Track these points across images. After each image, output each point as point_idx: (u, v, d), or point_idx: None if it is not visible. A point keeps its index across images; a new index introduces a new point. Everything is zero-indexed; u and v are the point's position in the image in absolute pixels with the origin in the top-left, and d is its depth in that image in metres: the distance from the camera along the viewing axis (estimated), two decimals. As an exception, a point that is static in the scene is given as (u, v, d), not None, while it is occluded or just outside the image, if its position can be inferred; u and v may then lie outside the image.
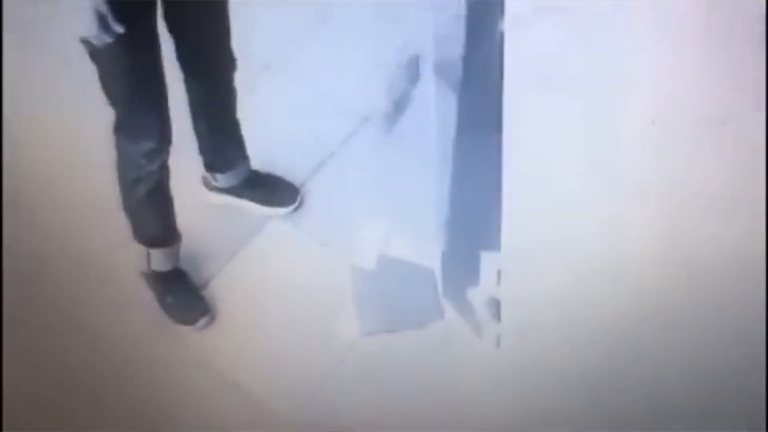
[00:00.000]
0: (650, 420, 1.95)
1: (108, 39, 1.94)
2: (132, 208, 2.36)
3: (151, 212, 2.38)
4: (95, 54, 2.03)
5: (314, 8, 2.99)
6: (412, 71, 2.68)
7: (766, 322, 1.68)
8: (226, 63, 2.36)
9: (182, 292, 2.49)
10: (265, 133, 2.67)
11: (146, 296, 2.48)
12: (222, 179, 2.60)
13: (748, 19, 1.47)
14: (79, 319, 2.50)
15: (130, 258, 2.44)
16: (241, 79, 2.42)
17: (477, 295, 2.27)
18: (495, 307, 2.19)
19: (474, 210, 2.17)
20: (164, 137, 2.20)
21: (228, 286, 2.53)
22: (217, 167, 2.59)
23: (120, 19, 1.94)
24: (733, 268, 1.72)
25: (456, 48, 1.98)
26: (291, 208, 2.65)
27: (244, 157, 2.58)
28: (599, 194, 1.78)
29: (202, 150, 2.56)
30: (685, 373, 1.87)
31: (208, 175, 2.62)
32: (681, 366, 1.87)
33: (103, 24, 1.92)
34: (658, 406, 1.94)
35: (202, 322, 2.45)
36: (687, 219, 1.72)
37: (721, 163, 1.64)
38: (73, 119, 2.78)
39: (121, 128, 2.18)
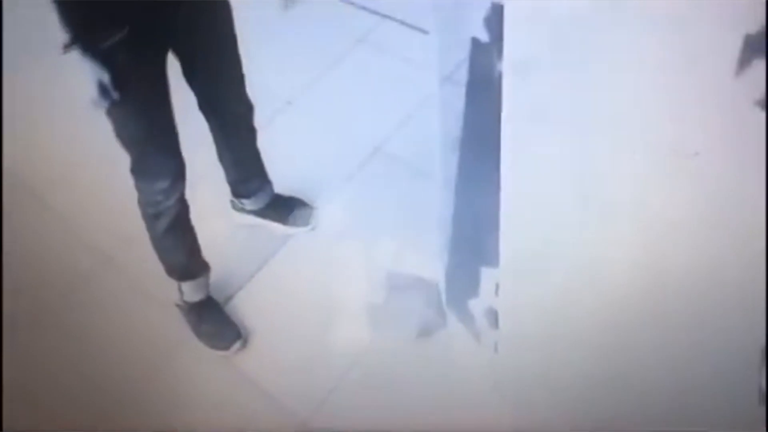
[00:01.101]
0: (639, 418, 1.97)
1: (106, 105, 1.99)
2: (157, 242, 2.38)
3: (175, 244, 2.40)
4: (109, 113, 2.07)
5: (331, 51, 3.06)
6: (419, 107, 2.71)
7: (767, 329, 1.73)
8: (244, 108, 2.41)
9: (215, 321, 2.50)
10: (289, 160, 2.73)
11: (171, 300, 2.50)
12: (248, 203, 2.67)
13: (719, 60, 1.48)
14: (105, 321, 2.54)
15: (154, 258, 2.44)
16: (267, 113, 2.50)
17: (477, 306, 2.29)
18: (493, 316, 2.21)
19: (474, 230, 2.19)
20: (177, 175, 2.24)
21: (250, 300, 2.56)
22: (243, 194, 2.66)
23: (130, 80, 1.99)
24: (705, 285, 1.76)
25: (460, 87, 2.00)
26: (309, 227, 2.70)
27: (267, 182, 2.65)
28: (585, 217, 1.82)
29: (229, 179, 2.62)
30: (670, 374, 1.90)
31: (235, 200, 2.68)
32: (665, 366, 1.90)
33: (102, 91, 1.96)
34: (647, 407, 1.96)
35: (235, 347, 2.46)
36: (662, 240, 1.75)
37: (692, 191, 1.67)
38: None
39: (136, 170, 2.22)
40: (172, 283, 2.46)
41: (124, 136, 2.14)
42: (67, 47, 1.91)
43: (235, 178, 2.62)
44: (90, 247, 2.71)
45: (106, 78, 1.95)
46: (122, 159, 2.24)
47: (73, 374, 2.44)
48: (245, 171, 2.61)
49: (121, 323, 2.53)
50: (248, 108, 2.42)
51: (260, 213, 2.70)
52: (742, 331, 1.80)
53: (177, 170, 2.23)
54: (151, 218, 2.31)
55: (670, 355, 1.89)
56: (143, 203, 2.28)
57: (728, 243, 1.72)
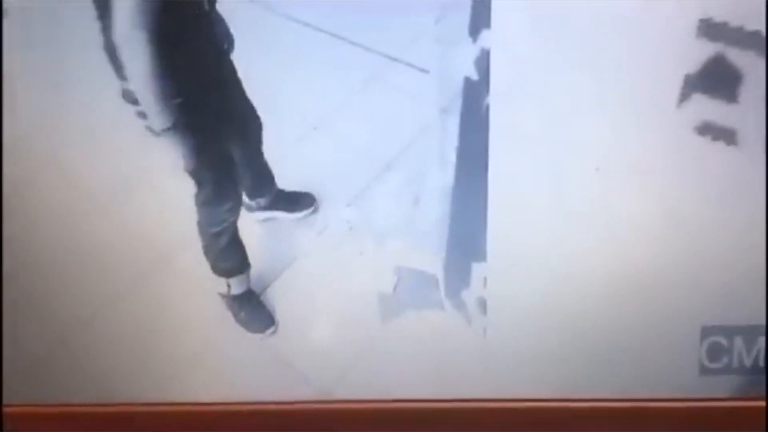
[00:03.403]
0: (603, 387, 2.05)
1: (193, 165, 2.16)
2: (215, 255, 2.43)
3: (231, 253, 2.45)
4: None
5: (348, 86, 3.03)
6: (422, 132, 2.66)
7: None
8: (257, 128, 2.46)
9: (253, 309, 2.53)
10: (315, 173, 2.74)
11: (215, 292, 2.51)
12: (262, 201, 2.67)
13: (664, 95, 1.64)
14: (159, 310, 2.52)
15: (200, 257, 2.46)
16: (296, 136, 2.57)
17: (469, 296, 2.34)
18: (482, 305, 2.28)
19: (466, 232, 2.26)
20: (240, 195, 2.37)
21: (282, 290, 2.58)
22: (258, 195, 2.66)
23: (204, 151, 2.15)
24: (656, 275, 1.88)
25: (455, 116, 2.12)
26: (311, 209, 2.70)
27: (273, 180, 2.65)
28: (559, 223, 1.94)
29: (244, 187, 2.60)
30: (628, 349, 1.99)
31: (250, 202, 2.66)
32: (625, 343, 1.99)
33: (194, 161, 2.15)
34: (609, 378, 2.04)
35: (269, 331, 2.50)
36: (624, 244, 1.87)
37: (648, 202, 1.80)
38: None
39: (207, 200, 2.31)
40: (217, 279, 2.50)
41: (197, 176, 2.26)
42: (168, 129, 2.07)
43: (252, 183, 2.64)
44: (147, 247, 2.67)
45: (190, 143, 2.11)
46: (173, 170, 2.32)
47: (132, 355, 2.48)
48: (259, 175, 2.63)
49: (172, 311, 2.54)
50: (260, 126, 2.46)
51: (269, 206, 2.69)
52: (685, 314, 1.91)
53: (239, 190, 2.36)
54: (213, 237, 2.37)
55: (627, 332, 1.98)
56: (208, 225, 2.35)
57: (674, 241, 1.83)
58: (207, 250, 2.43)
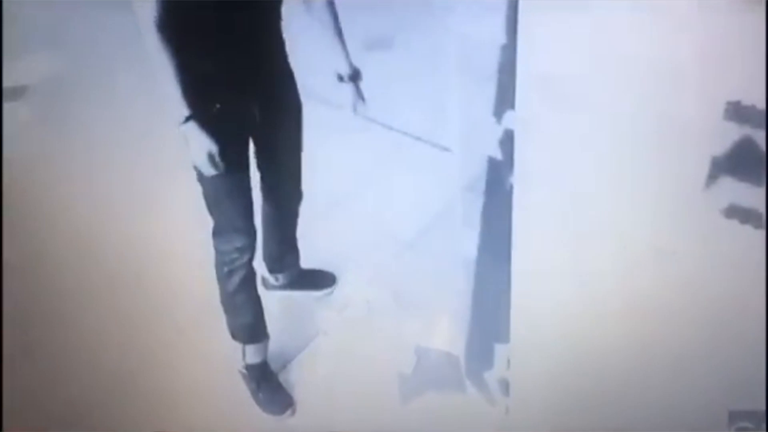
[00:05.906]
0: None
1: (214, 172, 2.05)
2: (229, 300, 2.35)
3: (244, 303, 2.36)
4: (201, 180, 2.15)
5: (376, 165, 3.13)
6: (444, 211, 2.76)
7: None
8: (297, 196, 2.47)
9: (271, 390, 2.46)
10: (334, 253, 2.81)
11: (234, 369, 2.48)
12: (281, 278, 2.69)
13: (691, 176, 1.56)
14: (179, 383, 2.52)
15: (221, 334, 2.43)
16: (317, 214, 2.59)
17: (491, 376, 2.31)
18: (505, 385, 2.23)
19: (489, 314, 2.21)
20: (252, 237, 2.27)
21: (301, 369, 2.56)
22: (278, 269, 2.68)
23: (223, 160, 2.05)
24: (680, 355, 1.80)
25: (478, 195, 2.07)
26: (331, 289, 2.75)
27: (298, 259, 2.68)
28: (583, 303, 1.86)
29: (267, 256, 2.63)
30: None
31: (269, 276, 2.69)
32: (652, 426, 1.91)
33: (211, 161, 2.03)
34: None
35: (287, 413, 2.43)
36: (650, 326, 1.80)
37: (674, 284, 1.73)
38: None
39: (219, 232, 2.25)
40: (236, 350, 2.44)
41: (212, 202, 2.20)
42: (187, 119, 1.99)
43: (275, 254, 2.62)
44: (168, 321, 2.74)
45: (214, 149, 2.02)
46: (196, 251, 2.32)
47: (151, 420, 2.44)
48: (285, 247, 2.62)
49: (190, 385, 2.53)
50: (300, 197, 2.46)
51: (289, 287, 2.71)
52: (712, 398, 1.81)
53: (251, 233, 2.26)
54: (225, 277, 2.30)
55: (653, 416, 1.90)
56: (219, 263, 2.29)
57: (700, 324, 1.76)
58: (223, 297, 2.36)
